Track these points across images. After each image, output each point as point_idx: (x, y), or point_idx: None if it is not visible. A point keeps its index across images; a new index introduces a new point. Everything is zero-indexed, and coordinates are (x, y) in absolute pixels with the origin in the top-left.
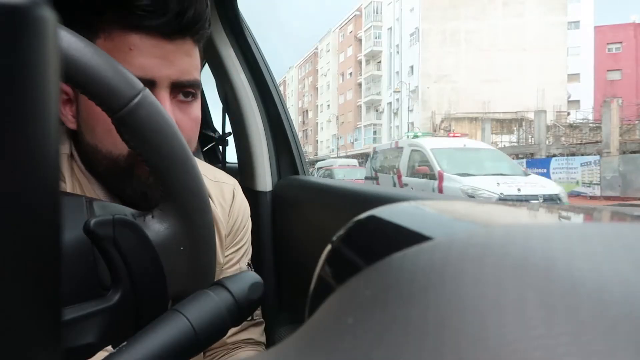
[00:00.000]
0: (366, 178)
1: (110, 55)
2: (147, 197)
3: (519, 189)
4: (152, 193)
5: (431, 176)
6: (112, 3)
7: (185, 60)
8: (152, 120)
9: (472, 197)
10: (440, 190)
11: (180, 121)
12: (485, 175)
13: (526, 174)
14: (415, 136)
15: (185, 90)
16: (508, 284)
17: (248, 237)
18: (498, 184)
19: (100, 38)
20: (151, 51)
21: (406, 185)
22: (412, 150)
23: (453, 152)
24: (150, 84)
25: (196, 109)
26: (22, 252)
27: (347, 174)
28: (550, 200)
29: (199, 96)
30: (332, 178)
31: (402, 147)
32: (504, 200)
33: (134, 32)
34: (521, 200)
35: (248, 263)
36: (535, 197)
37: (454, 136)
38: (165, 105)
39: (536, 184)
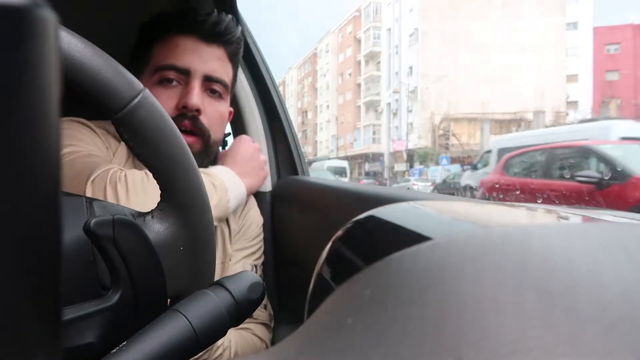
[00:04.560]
0: None
1: (163, 52)
2: None
3: None
4: None
5: None
6: (179, 17)
7: (216, 63)
8: (152, 121)
9: None
10: None
11: (206, 109)
12: None
13: None
14: None
15: (213, 87)
16: (507, 284)
17: (257, 243)
18: None
19: (157, 41)
20: (191, 49)
21: None
22: None
23: None
24: (187, 73)
25: (221, 106)
26: (22, 252)
27: None
28: None
29: (227, 98)
30: None
31: None
32: None
33: (180, 35)
34: None
35: (252, 264)
36: None
37: None
38: (195, 90)
39: None
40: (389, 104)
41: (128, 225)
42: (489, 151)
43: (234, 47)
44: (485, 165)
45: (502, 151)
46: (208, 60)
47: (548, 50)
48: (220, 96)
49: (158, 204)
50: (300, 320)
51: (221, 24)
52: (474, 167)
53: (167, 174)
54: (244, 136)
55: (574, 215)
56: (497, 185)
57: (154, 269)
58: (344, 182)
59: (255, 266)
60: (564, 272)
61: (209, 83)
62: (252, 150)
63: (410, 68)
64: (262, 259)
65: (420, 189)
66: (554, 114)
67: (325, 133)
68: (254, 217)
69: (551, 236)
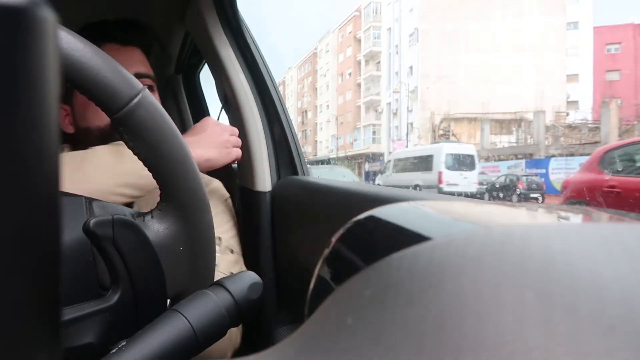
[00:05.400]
0: None
1: None
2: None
3: None
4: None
5: None
6: (98, 28)
7: (139, 62)
8: (152, 121)
9: None
10: None
11: None
12: None
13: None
14: None
15: (146, 82)
16: (507, 284)
17: (224, 217)
18: None
19: None
20: (117, 54)
21: None
22: None
23: None
24: None
25: (157, 97)
26: (22, 252)
27: None
28: None
29: (156, 90)
30: None
31: None
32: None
33: (104, 44)
34: None
35: (217, 237)
36: None
37: None
38: None
39: None
40: (389, 104)
41: (127, 226)
42: (390, 160)
43: (147, 47)
44: (387, 170)
45: (396, 160)
46: (133, 61)
47: (548, 50)
48: (152, 89)
49: (158, 204)
50: (300, 320)
51: (133, 27)
52: (382, 172)
53: (167, 174)
54: (209, 117)
55: (574, 215)
56: (606, 188)
57: (154, 269)
58: (344, 182)
59: (220, 238)
60: (564, 272)
61: (143, 80)
62: (217, 128)
63: (410, 68)
64: (232, 232)
65: None
66: (554, 114)
67: (325, 133)
68: (216, 190)
69: (551, 236)
